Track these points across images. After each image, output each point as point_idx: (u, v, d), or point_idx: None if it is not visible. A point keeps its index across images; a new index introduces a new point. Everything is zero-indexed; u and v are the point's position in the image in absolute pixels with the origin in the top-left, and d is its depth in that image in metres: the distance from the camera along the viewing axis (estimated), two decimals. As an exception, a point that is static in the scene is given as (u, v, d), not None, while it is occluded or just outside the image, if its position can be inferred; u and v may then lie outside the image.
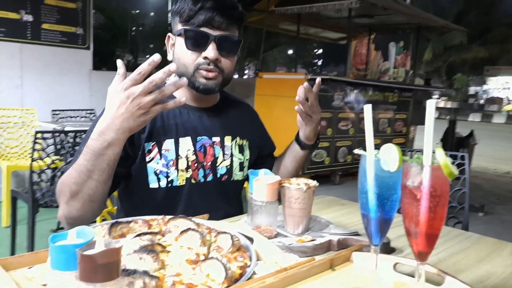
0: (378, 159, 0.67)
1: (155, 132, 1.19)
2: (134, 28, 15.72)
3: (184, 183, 1.20)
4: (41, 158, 2.50)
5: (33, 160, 2.45)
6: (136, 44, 14.79)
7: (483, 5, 27.64)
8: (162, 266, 0.74)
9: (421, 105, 6.22)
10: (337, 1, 5.38)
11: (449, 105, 4.79)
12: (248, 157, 1.35)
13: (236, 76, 18.78)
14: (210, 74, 1.17)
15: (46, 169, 2.53)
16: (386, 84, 6.30)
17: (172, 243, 0.82)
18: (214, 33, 1.15)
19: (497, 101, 25.95)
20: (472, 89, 32.02)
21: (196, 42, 1.16)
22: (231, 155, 1.29)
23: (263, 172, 1.04)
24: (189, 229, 0.83)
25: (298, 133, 1.30)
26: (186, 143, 1.22)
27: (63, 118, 4.17)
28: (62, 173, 1.14)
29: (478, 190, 5.63)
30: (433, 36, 22.22)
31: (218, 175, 1.26)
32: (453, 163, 0.61)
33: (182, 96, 1.24)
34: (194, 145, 1.23)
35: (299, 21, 6.69)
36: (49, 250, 0.60)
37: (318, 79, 1.23)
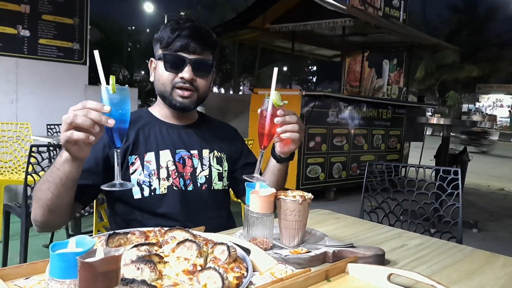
0: (105, 87, 0.92)
1: (137, 146, 1.29)
2: (130, 44, 15.84)
3: (166, 191, 1.27)
4: (35, 172, 2.49)
5: (27, 174, 2.45)
6: (131, 60, 14.89)
7: (474, 26, 28.22)
8: (160, 276, 0.74)
9: (414, 122, 6.29)
10: (331, 19, 5.47)
11: (442, 121, 4.83)
12: (226, 168, 1.41)
13: (231, 92, 18.88)
14: (186, 93, 1.29)
15: (40, 183, 2.52)
16: (380, 101, 6.38)
17: (169, 254, 0.82)
18: (190, 56, 1.27)
19: (490, 118, 26.25)
20: (464, 107, 32.44)
21: (174, 65, 1.28)
22: (210, 166, 1.37)
23: (259, 185, 1.06)
24: (186, 240, 0.84)
25: (273, 148, 1.30)
26: (165, 155, 1.31)
27: (58, 132, 4.16)
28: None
29: (472, 207, 5.65)
30: (425, 54, 22.60)
31: (198, 185, 1.33)
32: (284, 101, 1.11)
33: (161, 114, 1.38)
34: (174, 157, 1.32)
35: (294, 38, 6.79)
36: (49, 259, 0.61)
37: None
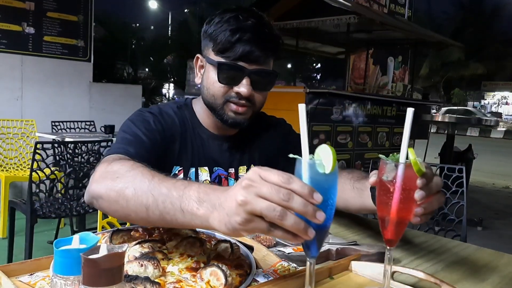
0: (314, 162, 0.62)
1: (184, 158, 1.17)
2: (134, 41, 15.85)
3: None
4: (40, 169, 2.50)
5: (32, 170, 2.46)
6: (136, 57, 14.89)
7: (479, 23, 28.05)
8: (163, 273, 0.74)
9: (419, 119, 6.27)
10: (335, 16, 5.45)
11: (446, 119, 4.82)
12: None
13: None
14: (241, 109, 1.11)
15: (45, 179, 2.54)
16: (385, 98, 6.35)
17: (173, 251, 0.82)
18: (250, 67, 1.07)
19: (495, 116, 26.09)
20: (470, 104, 32.28)
21: (230, 76, 1.08)
22: None
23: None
24: (189, 237, 0.84)
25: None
26: (203, 173, 1.20)
27: (62, 129, 4.18)
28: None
29: (476, 205, 5.63)
30: (430, 51, 22.48)
31: None
32: (422, 163, 0.69)
33: (204, 118, 1.21)
34: (210, 176, 1.21)
35: (298, 35, 6.77)
36: (53, 255, 0.61)
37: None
